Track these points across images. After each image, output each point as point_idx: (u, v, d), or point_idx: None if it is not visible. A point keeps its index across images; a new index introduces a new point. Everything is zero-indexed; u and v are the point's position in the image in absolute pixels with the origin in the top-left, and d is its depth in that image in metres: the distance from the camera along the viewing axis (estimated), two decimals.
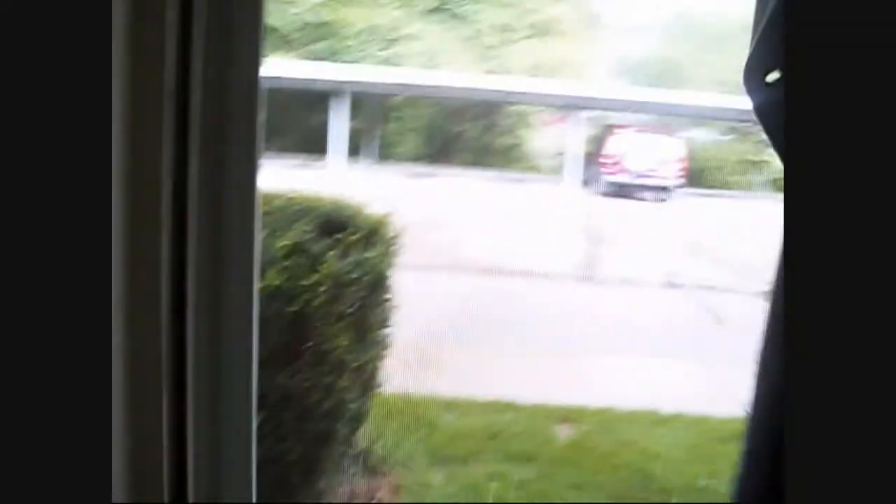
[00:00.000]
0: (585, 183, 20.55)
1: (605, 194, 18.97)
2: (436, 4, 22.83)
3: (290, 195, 4.26)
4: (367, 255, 3.90)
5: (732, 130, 31.22)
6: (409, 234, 5.24)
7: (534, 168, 29.87)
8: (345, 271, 3.71)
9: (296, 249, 3.58)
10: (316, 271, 3.58)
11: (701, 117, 29.82)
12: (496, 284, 10.39)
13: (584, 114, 24.35)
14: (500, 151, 29.89)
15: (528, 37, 24.08)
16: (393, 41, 22.76)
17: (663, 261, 12.34)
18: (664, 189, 19.21)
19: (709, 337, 8.42)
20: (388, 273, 4.30)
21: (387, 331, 4.47)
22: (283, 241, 3.57)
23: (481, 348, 7.36)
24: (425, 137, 29.87)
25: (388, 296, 4.35)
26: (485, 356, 7.15)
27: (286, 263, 3.53)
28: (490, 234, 13.71)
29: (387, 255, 4.17)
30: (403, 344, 5.29)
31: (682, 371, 7.13)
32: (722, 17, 52.15)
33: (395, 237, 4.43)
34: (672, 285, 11.19)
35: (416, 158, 28.06)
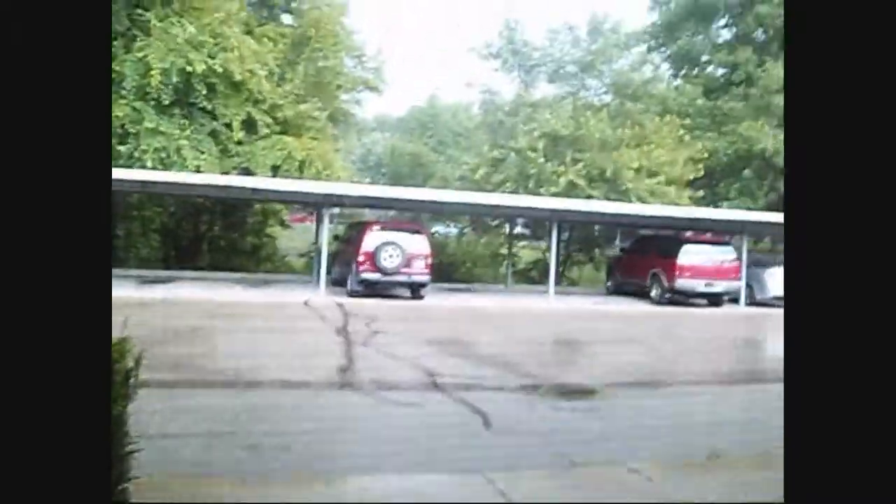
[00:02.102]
0: (337, 282, 20.14)
1: (359, 293, 18.63)
2: (177, 98, 21.87)
3: None
4: None
5: (474, 225, 32.48)
6: (149, 350, 4.49)
7: (283, 268, 29.24)
8: None
9: None
10: None
11: (445, 212, 30.73)
12: (249, 398, 9.58)
13: (333, 210, 24.21)
14: (247, 251, 29.03)
15: (275, 133, 23.66)
16: (131, 135, 21.47)
17: (422, 361, 12.06)
18: (417, 285, 19.19)
19: (480, 441, 8.10)
20: (124, 416, 3.51)
21: (126, 484, 3.65)
22: None
23: (238, 476, 6.55)
24: (166, 238, 28.39)
25: (125, 444, 3.54)
26: (243, 485, 6.35)
27: None
28: (240, 342, 12.86)
29: (121, 396, 3.38)
30: (149, 486, 4.47)
31: (458, 484, 6.69)
32: (458, 113, 54.91)
33: (132, 369, 3.65)
34: (434, 386, 10.89)
35: (157, 260, 26.51)
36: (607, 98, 32.70)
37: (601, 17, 32.68)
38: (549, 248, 23.88)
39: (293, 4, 28.41)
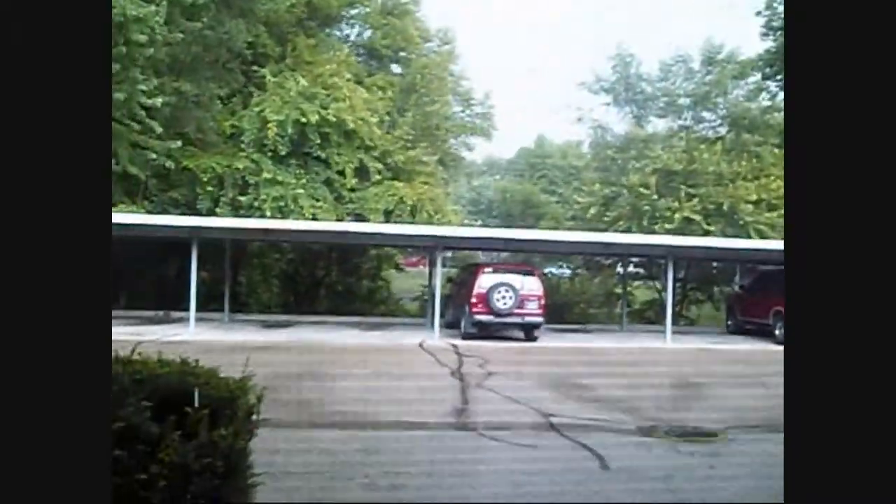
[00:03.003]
0: (450, 324, 20.21)
1: (472, 335, 18.64)
2: (293, 148, 22.64)
3: (126, 361, 3.55)
4: (220, 433, 3.21)
5: (587, 265, 32.07)
6: (271, 391, 4.61)
7: (397, 311, 29.55)
8: (192, 457, 3.01)
9: (128, 433, 2.87)
10: (154, 461, 2.88)
11: (557, 252, 30.52)
12: (368, 438, 9.70)
13: (445, 253, 24.38)
14: (363, 296, 29.50)
15: (387, 179, 24.15)
16: (251, 186, 22.32)
17: (537, 402, 11.96)
18: (531, 326, 19.05)
19: (599, 485, 7.95)
20: (247, 449, 3.61)
21: None
22: (113, 424, 2.85)
23: None
24: (286, 284, 29.20)
25: (247, 476, 3.64)
26: None
27: (116, 453, 2.80)
28: (357, 383, 13.05)
29: (244, 430, 3.48)
30: None
31: None
32: (567, 152, 54.57)
33: (254, 405, 3.76)
34: (550, 428, 10.77)
35: (277, 305, 27.27)
36: (722, 130, 31.85)
37: (715, 48, 31.91)
38: (664, 287, 23.34)
39: (401, 54, 29.07)
